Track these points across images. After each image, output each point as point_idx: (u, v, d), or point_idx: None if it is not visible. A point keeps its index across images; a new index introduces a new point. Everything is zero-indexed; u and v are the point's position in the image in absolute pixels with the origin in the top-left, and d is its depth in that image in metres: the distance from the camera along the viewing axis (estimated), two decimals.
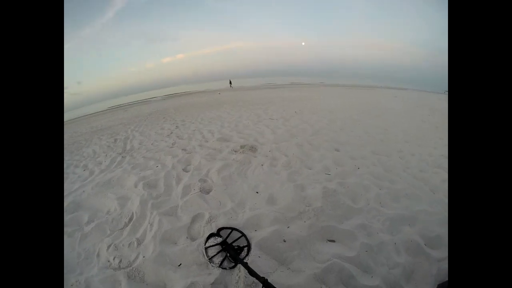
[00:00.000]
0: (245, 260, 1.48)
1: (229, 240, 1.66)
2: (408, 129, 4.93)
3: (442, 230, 1.78)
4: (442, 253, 1.60)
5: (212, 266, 1.49)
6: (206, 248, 1.60)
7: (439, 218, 1.93)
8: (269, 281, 1.20)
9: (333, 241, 1.67)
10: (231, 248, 1.55)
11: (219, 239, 1.64)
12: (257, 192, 2.27)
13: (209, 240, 1.65)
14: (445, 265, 1.51)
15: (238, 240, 1.66)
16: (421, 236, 1.72)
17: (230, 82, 25.36)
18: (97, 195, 2.62)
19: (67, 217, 2.24)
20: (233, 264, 1.48)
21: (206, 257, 1.54)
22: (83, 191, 2.78)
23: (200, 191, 2.34)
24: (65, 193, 2.81)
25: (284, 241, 1.62)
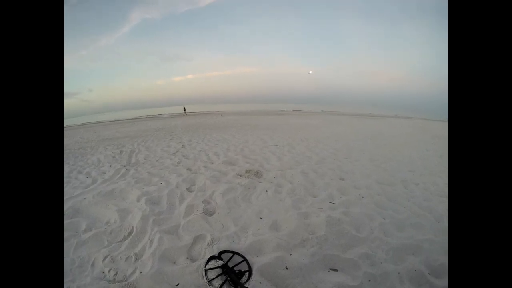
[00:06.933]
0: (245, 285, 1.44)
1: (230, 264, 1.62)
2: (412, 158, 4.90)
3: (446, 258, 1.72)
4: (446, 282, 1.54)
5: None
6: (206, 270, 1.56)
7: (443, 247, 1.87)
8: None
9: (336, 270, 1.62)
10: (232, 272, 1.52)
11: (220, 262, 1.61)
12: (260, 218, 2.24)
13: (209, 263, 1.62)
14: None
15: (240, 265, 1.62)
16: (426, 265, 1.66)
17: (184, 109, 26.82)
18: (97, 204, 2.61)
19: (64, 222, 2.23)
20: None
21: (205, 279, 1.50)
22: (84, 198, 2.76)
23: (203, 212, 2.33)
24: (65, 197, 2.80)
25: (286, 268, 1.58)
